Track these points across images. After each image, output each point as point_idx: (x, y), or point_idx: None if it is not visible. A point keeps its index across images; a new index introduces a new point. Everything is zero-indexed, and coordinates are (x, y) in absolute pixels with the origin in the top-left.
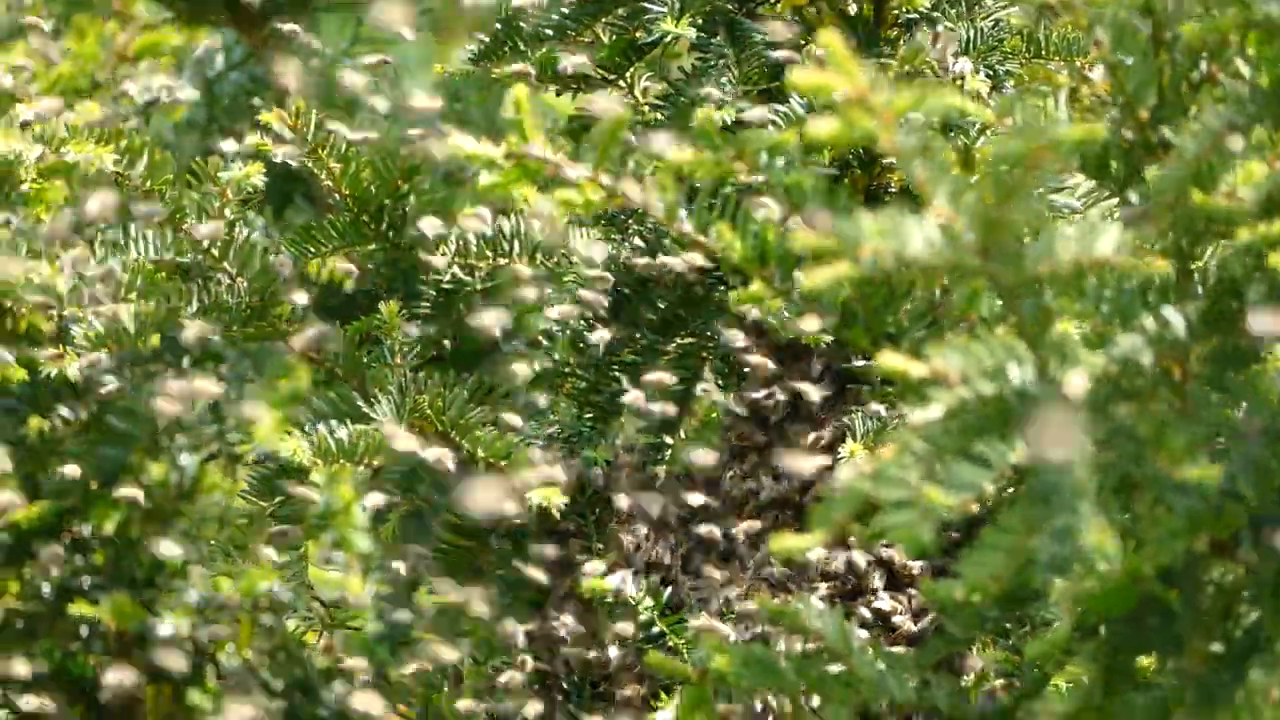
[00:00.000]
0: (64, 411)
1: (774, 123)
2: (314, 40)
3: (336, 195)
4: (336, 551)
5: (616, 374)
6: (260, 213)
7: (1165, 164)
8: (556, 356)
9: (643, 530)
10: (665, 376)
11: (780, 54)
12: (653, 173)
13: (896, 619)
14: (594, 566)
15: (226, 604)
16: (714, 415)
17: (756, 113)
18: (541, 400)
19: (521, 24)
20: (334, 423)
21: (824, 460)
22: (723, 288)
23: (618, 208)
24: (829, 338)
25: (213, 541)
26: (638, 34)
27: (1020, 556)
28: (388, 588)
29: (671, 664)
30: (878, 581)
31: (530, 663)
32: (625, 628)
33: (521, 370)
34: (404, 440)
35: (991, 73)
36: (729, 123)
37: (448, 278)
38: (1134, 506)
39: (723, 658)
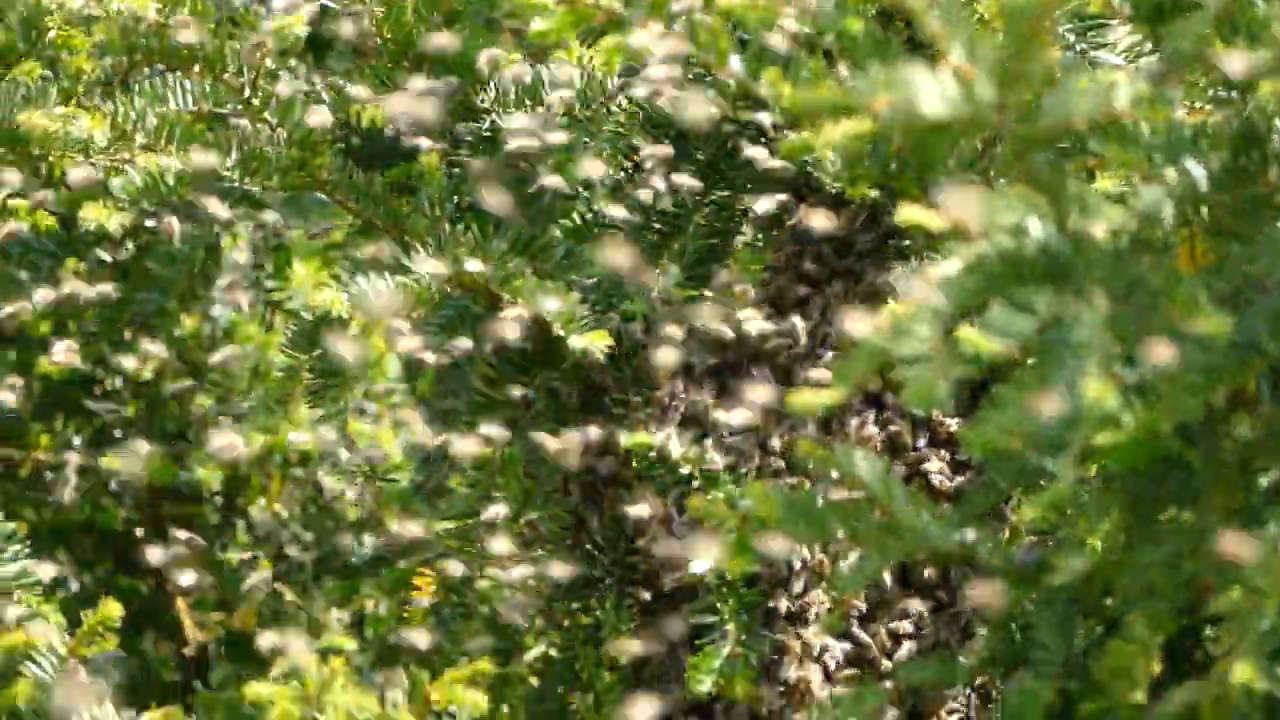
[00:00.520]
0: (103, 255)
1: None
2: None
3: (378, 40)
4: (370, 403)
5: (656, 225)
6: (301, 60)
7: (1187, 15)
8: (596, 207)
9: (680, 385)
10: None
11: None
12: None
13: (934, 477)
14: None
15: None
16: (753, 267)
17: None
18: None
19: None
20: (372, 274)
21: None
22: (763, 140)
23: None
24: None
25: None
26: None
27: (1033, 411)
28: (423, 440)
29: (714, 509)
30: (919, 441)
31: (566, 516)
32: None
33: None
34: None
35: None
36: None
37: (487, 125)
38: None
39: (766, 504)
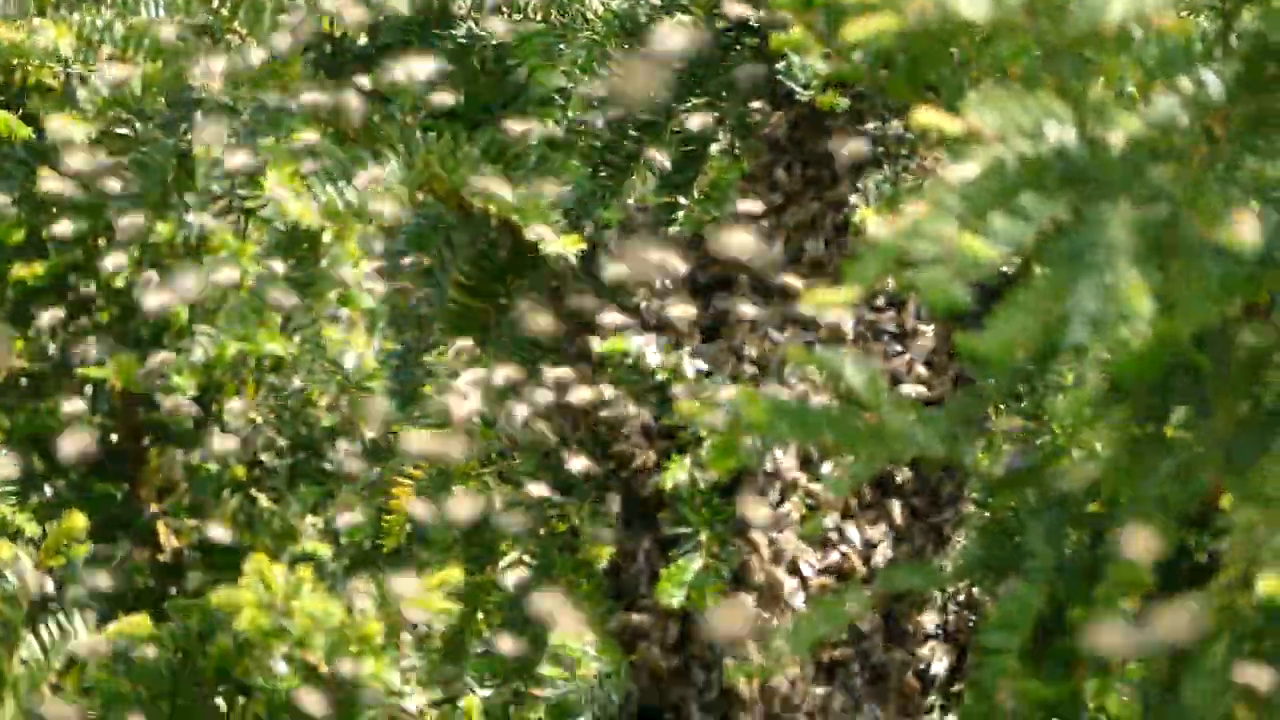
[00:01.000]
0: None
1: None
2: None
3: None
4: (342, 309)
5: (631, 132)
6: None
7: None
8: (571, 114)
9: (655, 291)
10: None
11: None
12: None
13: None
14: (611, 319)
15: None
16: (728, 176)
17: None
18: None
19: None
20: (342, 182)
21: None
22: (738, 47)
23: None
24: (846, 102)
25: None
26: None
27: (1049, 315)
28: (397, 345)
29: (703, 412)
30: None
31: (540, 424)
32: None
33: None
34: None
35: None
36: None
37: (463, 32)
38: (1168, 269)
39: (753, 407)
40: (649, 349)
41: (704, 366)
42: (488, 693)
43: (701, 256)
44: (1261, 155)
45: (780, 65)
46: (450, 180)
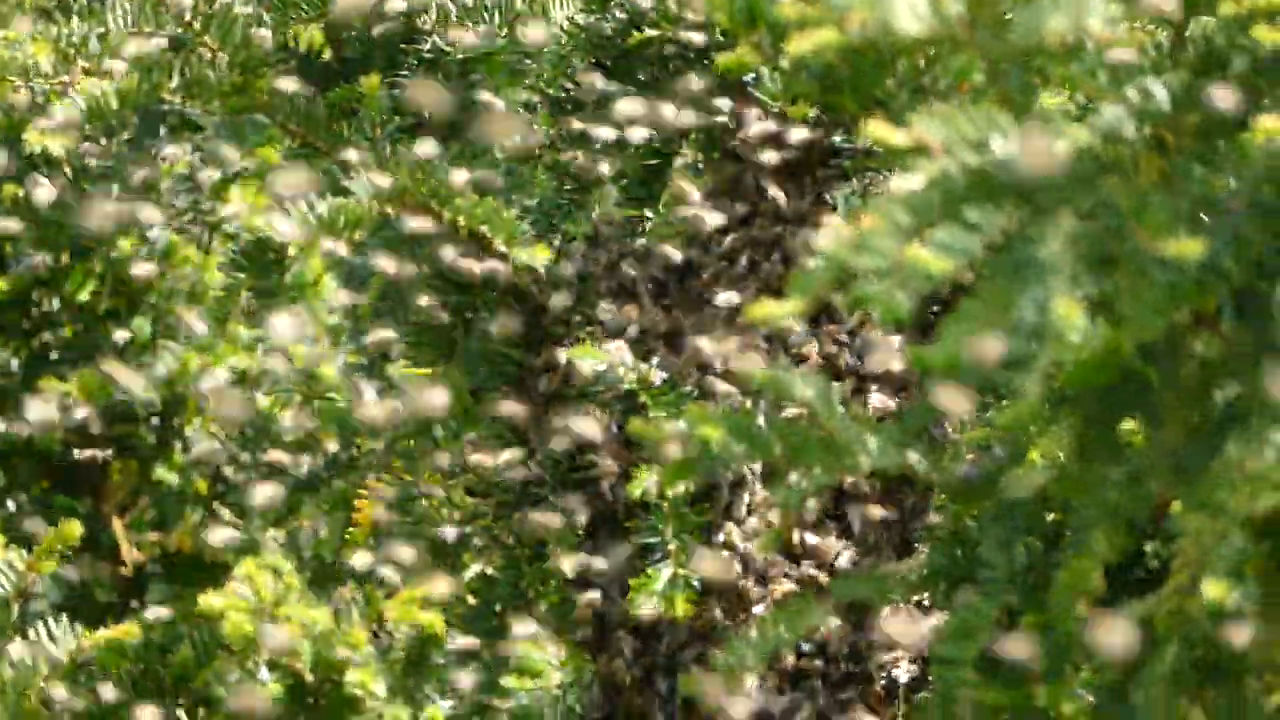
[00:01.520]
0: (40, 179)
1: None
2: None
3: None
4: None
5: (596, 146)
6: None
7: None
8: (536, 127)
9: (623, 303)
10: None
11: None
12: None
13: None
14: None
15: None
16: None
17: None
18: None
19: None
20: (313, 196)
21: (806, 229)
22: (705, 62)
23: None
24: (814, 111)
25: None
26: None
27: (996, 327)
28: (361, 359)
29: (655, 430)
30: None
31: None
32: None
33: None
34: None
35: None
36: None
37: (428, 46)
38: (1115, 280)
39: (707, 425)
40: (622, 354)
41: (667, 377)
42: (450, 704)
43: (664, 267)
44: (1209, 166)
45: (749, 77)
46: (421, 192)
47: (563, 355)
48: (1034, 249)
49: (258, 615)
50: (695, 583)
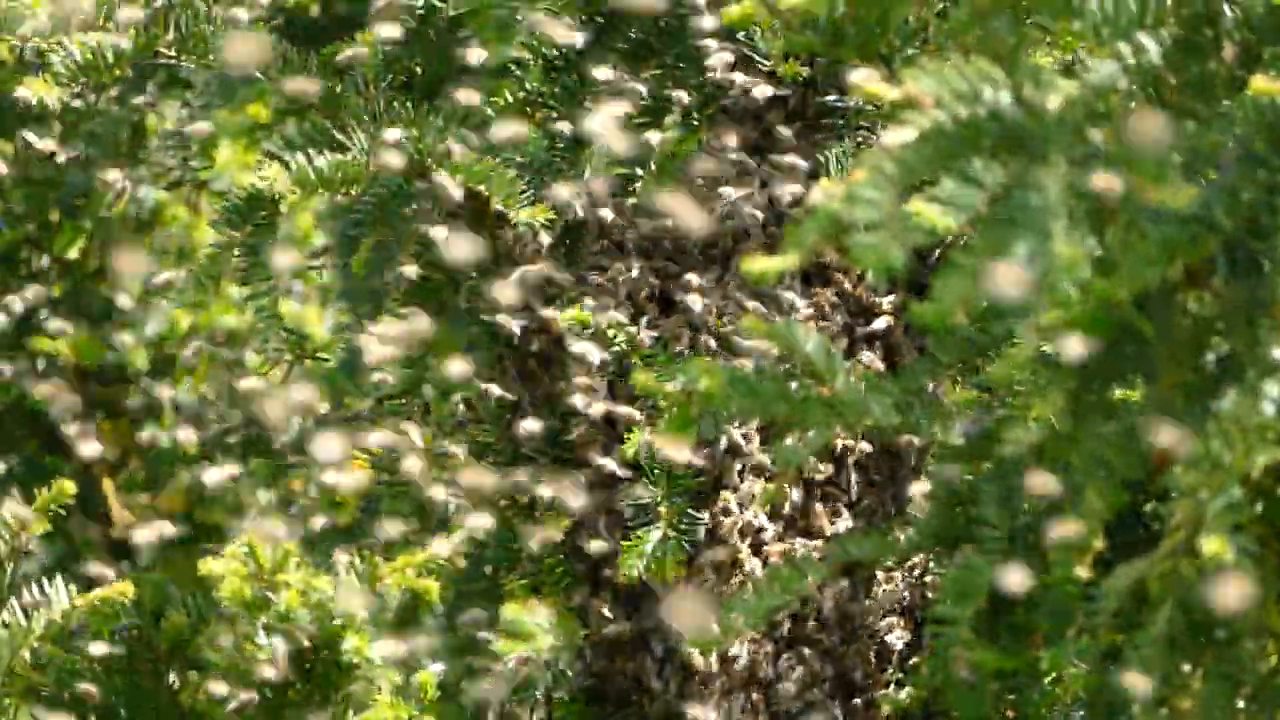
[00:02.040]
0: (30, 136)
1: None
2: None
3: None
4: (296, 282)
5: (588, 105)
6: None
7: None
8: (529, 85)
9: (617, 263)
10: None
11: None
12: None
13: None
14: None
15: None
16: (685, 147)
17: None
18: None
19: None
20: (311, 151)
21: (797, 188)
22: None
23: None
24: (806, 71)
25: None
26: None
27: (993, 277)
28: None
29: (658, 385)
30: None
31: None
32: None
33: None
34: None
35: None
36: None
37: (421, 2)
38: (1108, 233)
39: (709, 379)
40: (613, 316)
41: (659, 337)
42: (441, 666)
43: (656, 227)
44: (1199, 120)
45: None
46: (415, 149)
47: (552, 315)
48: (1027, 197)
49: (257, 580)
50: (686, 545)
